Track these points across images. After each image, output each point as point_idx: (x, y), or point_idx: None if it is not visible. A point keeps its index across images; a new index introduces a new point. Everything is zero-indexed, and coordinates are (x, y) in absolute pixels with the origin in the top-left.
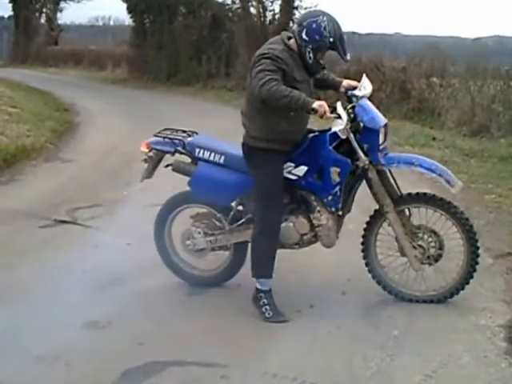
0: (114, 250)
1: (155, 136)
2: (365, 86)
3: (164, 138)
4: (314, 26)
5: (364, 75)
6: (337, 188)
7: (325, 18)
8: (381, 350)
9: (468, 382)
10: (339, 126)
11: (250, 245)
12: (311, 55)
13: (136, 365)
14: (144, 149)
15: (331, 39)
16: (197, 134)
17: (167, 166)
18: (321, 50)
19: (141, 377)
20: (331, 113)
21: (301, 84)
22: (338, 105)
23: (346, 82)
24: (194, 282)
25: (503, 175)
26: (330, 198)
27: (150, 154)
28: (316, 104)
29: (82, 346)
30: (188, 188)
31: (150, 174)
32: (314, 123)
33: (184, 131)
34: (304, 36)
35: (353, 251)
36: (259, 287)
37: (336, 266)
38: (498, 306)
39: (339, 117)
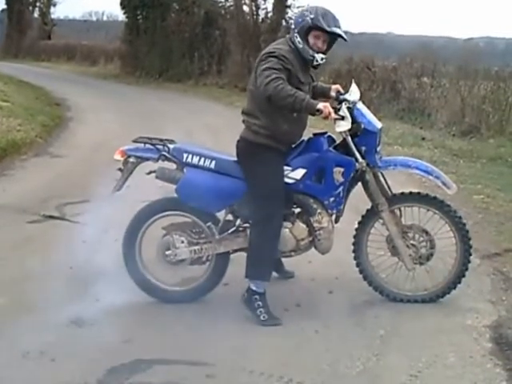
0: (101, 246)
1: (134, 142)
2: (354, 92)
3: (145, 143)
4: (298, 14)
5: (353, 81)
6: (340, 189)
7: (307, 7)
8: (367, 349)
9: (453, 382)
10: (343, 127)
11: (249, 243)
12: (299, 39)
13: (122, 362)
14: (119, 157)
15: (312, 15)
16: (174, 142)
17: (150, 172)
18: (307, 31)
19: (126, 374)
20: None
21: (304, 86)
22: (343, 106)
23: (334, 87)
24: (163, 298)
25: (492, 176)
26: (331, 199)
27: (129, 160)
28: (321, 105)
29: (68, 343)
30: (167, 195)
31: (121, 185)
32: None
33: (161, 140)
34: (292, 27)
35: (340, 250)
36: (254, 289)
37: (323, 265)
38: (485, 306)
39: (342, 118)
